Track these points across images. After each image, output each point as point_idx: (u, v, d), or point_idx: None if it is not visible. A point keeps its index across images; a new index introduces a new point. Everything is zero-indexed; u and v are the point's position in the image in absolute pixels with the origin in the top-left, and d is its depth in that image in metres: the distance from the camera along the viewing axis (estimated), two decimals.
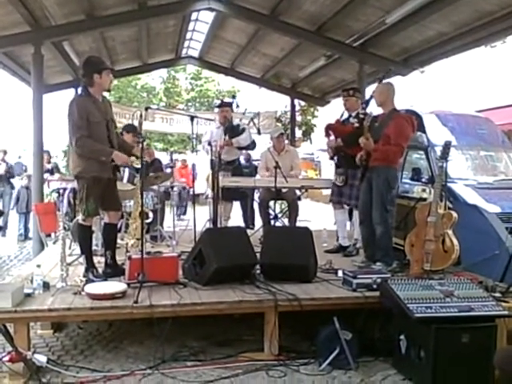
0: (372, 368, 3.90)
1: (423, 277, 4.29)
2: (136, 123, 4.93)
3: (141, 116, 4.86)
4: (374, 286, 4.14)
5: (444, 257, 4.48)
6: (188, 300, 3.99)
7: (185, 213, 12.96)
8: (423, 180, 6.08)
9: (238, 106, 7.13)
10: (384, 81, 5.99)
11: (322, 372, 3.79)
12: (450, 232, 4.51)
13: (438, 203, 4.57)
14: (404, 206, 5.81)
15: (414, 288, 3.77)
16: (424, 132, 6.48)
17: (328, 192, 6.42)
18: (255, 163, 10.56)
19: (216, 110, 7.43)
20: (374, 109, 5.54)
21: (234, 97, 7.16)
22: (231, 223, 7.18)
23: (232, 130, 6.77)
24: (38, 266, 4.25)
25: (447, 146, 4.68)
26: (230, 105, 7.08)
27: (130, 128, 6.29)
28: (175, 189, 8.06)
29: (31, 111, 8.10)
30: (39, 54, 8.07)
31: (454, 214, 4.56)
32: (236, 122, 7.18)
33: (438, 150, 5.87)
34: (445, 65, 10.94)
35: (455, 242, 4.47)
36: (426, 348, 3.49)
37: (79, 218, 4.64)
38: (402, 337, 3.75)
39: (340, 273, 4.63)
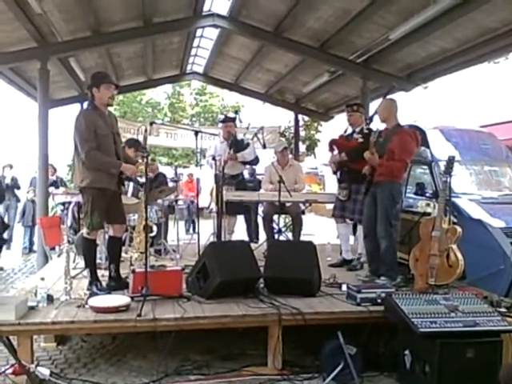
0: (376, 383, 3.88)
1: (428, 291, 4.26)
2: (141, 138, 4.96)
3: (145, 131, 4.89)
4: (379, 301, 4.13)
5: (449, 271, 4.46)
6: (191, 314, 3.99)
7: (194, 228, 12.85)
8: (427, 195, 6.08)
9: (241, 122, 7.17)
10: (387, 97, 6.02)
11: None
12: (454, 247, 4.50)
13: (442, 218, 4.57)
14: (408, 221, 5.80)
15: (419, 303, 3.76)
16: (428, 147, 6.49)
17: (332, 206, 6.42)
18: (259, 177, 10.57)
19: (220, 125, 7.47)
20: (377, 125, 5.57)
21: (236, 112, 7.19)
22: (235, 237, 7.17)
23: (236, 145, 6.82)
24: (42, 279, 4.26)
25: (451, 161, 4.68)
26: (233, 120, 7.13)
27: (131, 143, 6.32)
28: (181, 203, 8.07)
29: (37, 126, 8.16)
30: (45, 70, 8.15)
31: (459, 229, 4.55)
32: (240, 136, 7.23)
33: (442, 165, 5.88)
34: (448, 81, 11.02)
35: (460, 256, 4.45)
36: (430, 363, 3.47)
37: (83, 231, 4.66)
38: (406, 352, 3.73)
39: (344, 287, 4.62)
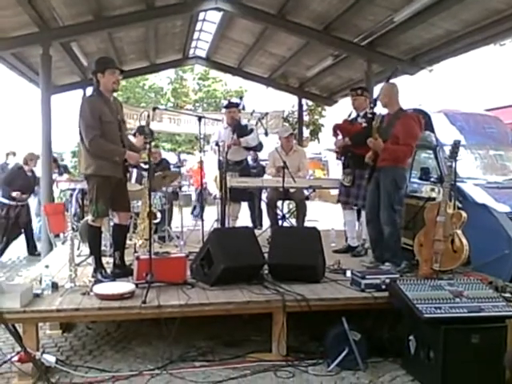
0: (381, 369, 3.88)
1: (432, 277, 4.27)
2: (144, 123, 4.93)
3: (148, 116, 4.88)
4: (383, 287, 4.13)
5: (453, 257, 4.44)
6: (196, 300, 3.99)
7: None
8: (432, 180, 6.05)
9: (243, 108, 7.10)
10: (390, 80, 5.95)
11: (331, 373, 3.78)
12: (459, 232, 4.47)
13: (447, 203, 4.54)
14: (413, 206, 5.78)
15: (423, 288, 3.76)
16: (432, 131, 6.44)
17: (336, 192, 6.40)
18: (263, 163, 10.55)
19: (223, 110, 7.41)
20: (381, 109, 5.52)
21: (241, 98, 7.13)
22: (239, 223, 7.16)
23: (240, 130, 6.77)
24: (47, 266, 4.26)
25: (456, 146, 4.64)
26: (237, 105, 7.07)
27: (142, 130, 6.28)
28: (186, 189, 8.05)
29: (39, 112, 8.13)
30: (47, 55, 8.09)
31: (464, 214, 4.52)
32: (244, 122, 7.18)
33: (447, 150, 5.81)
34: (453, 63, 10.89)
35: (465, 241, 4.43)
36: (435, 349, 3.47)
37: (89, 218, 4.65)
38: (411, 337, 3.73)
39: (348, 273, 4.62)
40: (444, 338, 3.39)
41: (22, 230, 8.31)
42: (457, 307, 3.54)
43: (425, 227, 4.69)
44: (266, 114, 8.34)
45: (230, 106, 6.99)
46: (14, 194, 7.82)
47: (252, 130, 6.92)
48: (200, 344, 4.30)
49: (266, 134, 7.53)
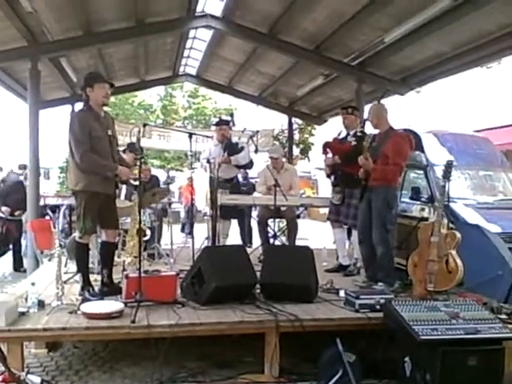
0: None
1: (427, 298, 4.21)
2: (134, 140, 4.87)
3: (139, 132, 4.81)
4: (378, 307, 4.07)
5: (448, 277, 4.39)
6: (187, 320, 3.90)
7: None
8: (423, 199, 6.05)
9: (234, 125, 7.07)
10: (374, 102, 5.98)
11: None
12: (453, 252, 4.43)
13: (440, 223, 4.51)
14: (405, 226, 5.76)
15: (419, 309, 3.71)
16: (423, 151, 6.46)
17: (325, 210, 6.37)
18: (252, 181, 10.51)
19: (213, 127, 7.36)
20: (371, 129, 5.53)
21: (231, 115, 7.09)
22: (229, 241, 7.09)
23: (231, 148, 6.73)
24: (33, 284, 4.14)
25: (449, 166, 4.63)
26: (227, 123, 7.03)
27: (132, 147, 6.22)
28: (177, 206, 7.96)
29: (27, 127, 8.03)
30: (36, 70, 8.02)
31: (458, 234, 4.49)
32: (235, 139, 7.13)
33: (438, 170, 5.87)
34: (442, 84, 11.02)
35: (459, 262, 4.39)
36: (432, 371, 3.40)
37: (76, 235, 4.55)
38: (406, 359, 3.66)
39: (342, 293, 4.57)
40: (441, 360, 3.33)
41: (11, 246, 8.15)
42: (453, 329, 3.48)
43: (419, 247, 4.65)
44: (257, 132, 8.31)
45: (221, 123, 6.97)
46: (3, 209, 7.67)
47: (243, 148, 6.89)
48: (191, 365, 4.19)
49: (256, 151, 7.51)
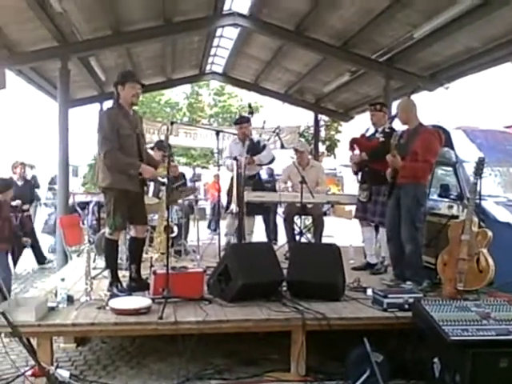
0: None
1: (457, 297, 4.13)
2: (162, 137, 4.90)
3: (167, 130, 4.83)
4: (406, 306, 4.01)
5: (479, 277, 4.31)
6: (213, 317, 3.90)
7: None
8: (452, 197, 5.93)
9: (252, 113, 6.80)
10: (403, 98, 5.89)
11: None
12: (484, 251, 4.35)
13: (471, 221, 4.42)
14: (434, 224, 5.66)
15: (449, 309, 3.64)
16: (452, 148, 6.33)
17: (351, 208, 6.31)
18: (278, 178, 10.48)
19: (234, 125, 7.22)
20: (399, 125, 5.45)
21: (250, 106, 6.80)
22: (254, 238, 7.07)
23: (253, 147, 6.61)
24: (63, 279, 4.20)
25: (481, 163, 4.54)
26: (248, 120, 6.90)
27: (160, 145, 6.25)
28: (203, 202, 7.98)
29: (57, 125, 8.16)
30: (66, 69, 8.16)
31: (489, 233, 4.41)
32: (256, 137, 7.05)
33: (467, 167, 5.75)
34: (471, 80, 10.80)
35: (490, 261, 4.31)
36: (461, 372, 3.33)
37: (106, 231, 4.60)
38: (435, 360, 3.59)
39: (369, 291, 4.51)
40: (471, 361, 3.26)
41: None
42: (484, 329, 3.41)
43: (449, 246, 4.57)
44: (278, 127, 8.19)
45: (242, 121, 6.84)
46: (14, 203, 7.74)
47: (265, 146, 6.80)
48: (217, 362, 4.20)
49: (282, 147, 7.43)
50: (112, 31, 8.11)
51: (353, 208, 6.26)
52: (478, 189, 4.64)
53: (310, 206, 6.51)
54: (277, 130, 7.57)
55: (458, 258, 4.39)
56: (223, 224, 6.98)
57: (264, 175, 11.87)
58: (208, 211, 15.29)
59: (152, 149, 6.21)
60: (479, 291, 4.42)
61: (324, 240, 6.76)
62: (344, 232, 11.06)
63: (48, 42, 7.81)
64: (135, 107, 4.75)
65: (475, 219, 4.54)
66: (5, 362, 4.06)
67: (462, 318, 3.52)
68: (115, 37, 8.27)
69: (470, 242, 4.37)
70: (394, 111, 6.25)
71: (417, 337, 3.81)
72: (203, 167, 23.09)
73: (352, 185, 7.27)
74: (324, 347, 4.28)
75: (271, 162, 7.15)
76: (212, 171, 16.74)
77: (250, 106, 6.76)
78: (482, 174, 4.55)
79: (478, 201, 4.79)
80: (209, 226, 13.44)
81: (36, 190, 10.55)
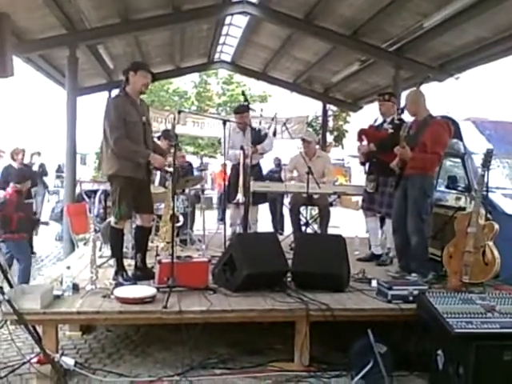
0: (406, 383, 3.76)
1: (462, 290, 4.11)
2: (169, 126, 4.89)
3: (174, 119, 4.83)
4: (411, 298, 4.00)
5: (484, 269, 4.29)
6: (218, 307, 3.91)
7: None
8: (459, 188, 5.88)
9: (247, 101, 6.70)
10: (411, 89, 5.83)
11: None
12: (491, 244, 4.32)
13: (478, 213, 4.39)
14: (441, 215, 5.62)
15: (454, 302, 3.63)
16: (461, 139, 6.27)
17: (357, 199, 6.28)
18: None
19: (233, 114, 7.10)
20: (408, 116, 5.40)
21: (243, 94, 6.61)
22: (260, 227, 7.05)
23: (256, 136, 6.54)
24: (68, 267, 4.22)
25: (489, 154, 4.49)
26: (248, 109, 6.81)
27: (167, 134, 6.24)
28: (210, 192, 7.96)
29: (65, 113, 8.17)
30: (74, 57, 8.15)
31: (496, 226, 4.37)
32: (256, 126, 6.98)
33: (476, 158, 5.70)
34: (481, 70, 10.68)
35: (496, 254, 4.28)
36: (465, 365, 3.33)
37: (111, 220, 4.61)
38: (439, 352, 3.59)
39: (374, 283, 4.50)
40: (475, 354, 3.25)
41: None
42: (489, 322, 3.39)
43: (455, 238, 4.55)
44: (275, 115, 8.08)
45: (242, 110, 6.67)
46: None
47: (266, 135, 6.75)
48: (221, 351, 4.23)
49: (291, 137, 7.38)
50: (120, 19, 8.09)
51: (360, 199, 6.22)
52: (486, 181, 4.58)
53: (316, 196, 6.49)
54: (283, 120, 7.50)
55: (463, 251, 4.36)
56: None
57: (271, 165, 11.87)
58: (215, 200, 15.29)
59: (158, 138, 6.21)
60: (485, 284, 4.40)
61: (330, 231, 6.75)
62: (350, 223, 11.03)
63: (56, 30, 7.80)
64: (142, 96, 4.74)
65: (482, 211, 4.51)
66: (11, 349, 4.11)
67: (466, 310, 3.51)
68: (124, 25, 8.24)
69: (476, 234, 4.34)
70: (403, 101, 6.19)
71: (421, 329, 3.81)
72: (210, 156, 23.07)
73: (359, 175, 7.22)
74: (328, 338, 4.30)
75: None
76: (219, 160, 16.70)
77: (243, 93, 6.68)
78: (489, 166, 4.50)
79: (485, 193, 4.75)
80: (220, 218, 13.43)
81: (44, 177, 10.64)
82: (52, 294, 3.92)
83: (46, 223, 7.57)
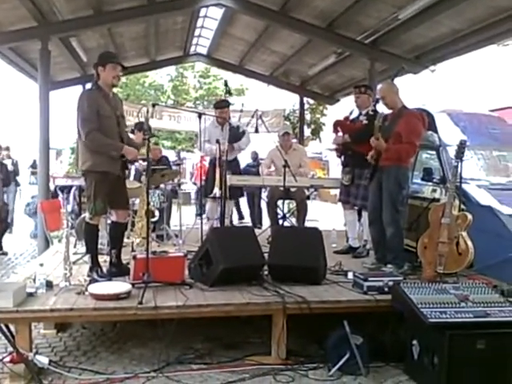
0: (383, 374, 3.78)
1: (437, 280, 4.15)
2: (143, 120, 4.82)
3: (147, 112, 4.76)
4: (386, 289, 4.04)
5: (458, 259, 4.34)
6: (194, 301, 3.89)
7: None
8: (435, 180, 5.94)
9: (229, 92, 6.63)
10: (394, 80, 5.85)
11: (331, 377, 3.68)
12: (464, 234, 4.38)
13: (452, 204, 4.44)
14: (416, 207, 5.68)
15: (428, 292, 3.66)
16: (435, 131, 6.33)
17: (336, 192, 6.30)
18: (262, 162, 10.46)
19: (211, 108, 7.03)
20: (382, 108, 5.42)
21: (226, 84, 6.50)
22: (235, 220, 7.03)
23: (233, 134, 6.45)
24: (41, 264, 4.17)
25: (462, 146, 4.54)
26: (228, 105, 6.76)
27: (140, 126, 6.15)
28: (186, 187, 7.88)
29: (38, 108, 8.02)
30: (46, 50, 7.98)
31: (469, 216, 4.42)
32: (235, 122, 6.93)
33: (450, 150, 5.76)
34: (456, 63, 10.79)
35: (470, 244, 4.34)
36: (439, 354, 3.37)
37: (86, 216, 4.55)
38: (414, 342, 3.63)
39: (350, 275, 4.53)
40: (449, 343, 3.29)
41: None
42: (462, 312, 3.44)
43: (429, 229, 4.59)
44: (256, 110, 8.06)
45: (222, 105, 6.63)
46: None
47: (244, 133, 6.69)
48: (197, 346, 4.20)
49: (268, 131, 7.35)
50: (94, 11, 7.94)
51: (338, 192, 6.24)
52: (459, 172, 4.63)
53: (293, 189, 6.50)
54: (259, 113, 7.46)
55: (438, 241, 4.41)
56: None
57: (248, 159, 11.84)
58: (193, 196, 15.19)
59: (132, 131, 6.13)
60: (459, 274, 4.46)
61: (308, 224, 6.76)
62: (329, 216, 11.09)
63: (27, 22, 7.62)
64: (116, 89, 4.67)
65: (456, 202, 4.55)
66: None
67: (440, 300, 3.54)
68: (97, 17, 8.10)
69: (449, 225, 4.39)
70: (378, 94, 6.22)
71: (396, 319, 3.84)
72: (188, 151, 22.97)
73: (338, 169, 7.22)
74: (305, 330, 4.30)
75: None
76: (197, 154, 16.61)
77: (226, 83, 6.61)
78: (463, 157, 4.54)
79: (459, 184, 4.80)
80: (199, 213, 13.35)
81: (16, 177, 10.47)
82: (25, 291, 3.85)
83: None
